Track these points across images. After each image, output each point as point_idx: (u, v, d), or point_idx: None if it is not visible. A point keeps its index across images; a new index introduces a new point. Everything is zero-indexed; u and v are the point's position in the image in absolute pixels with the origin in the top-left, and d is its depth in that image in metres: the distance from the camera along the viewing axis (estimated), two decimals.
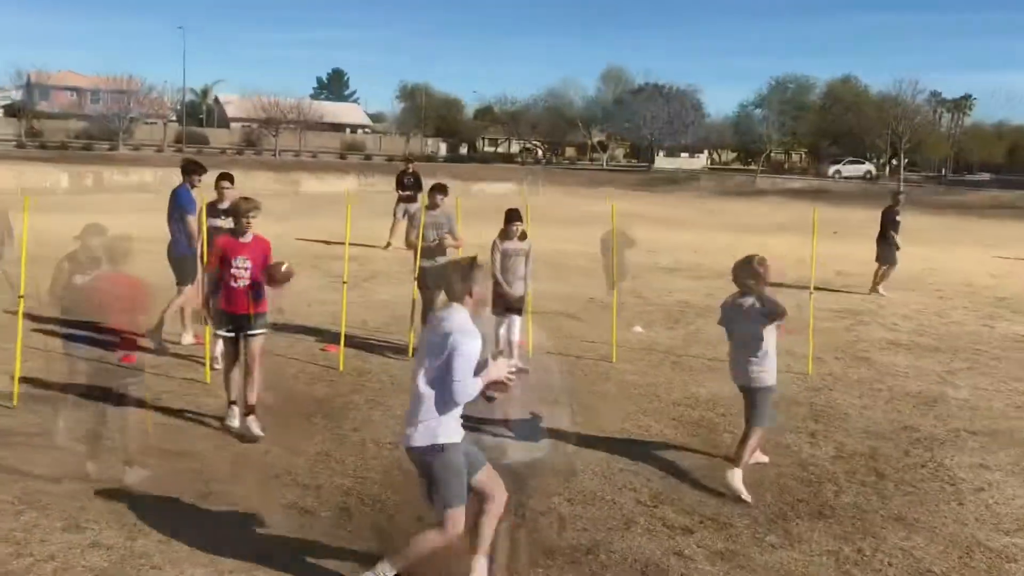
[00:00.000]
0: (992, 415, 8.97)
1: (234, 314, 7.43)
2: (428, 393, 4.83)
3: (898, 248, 16.74)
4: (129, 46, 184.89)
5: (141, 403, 8.03)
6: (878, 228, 17.08)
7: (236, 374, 7.62)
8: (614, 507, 6.34)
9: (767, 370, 6.84)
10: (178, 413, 7.92)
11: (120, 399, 6.63)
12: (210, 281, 7.64)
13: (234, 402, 7.61)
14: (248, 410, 7.44)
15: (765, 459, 7.25)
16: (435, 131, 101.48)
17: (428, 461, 4.89)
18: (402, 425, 7.70)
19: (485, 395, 4.99)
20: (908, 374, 10.53)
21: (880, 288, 16.53)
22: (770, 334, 6.82)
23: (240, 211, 7.47)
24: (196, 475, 6.54)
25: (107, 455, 6.70)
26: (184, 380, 8.92)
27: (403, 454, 7.09)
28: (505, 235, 9.79)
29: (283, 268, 7.49)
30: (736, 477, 6.62)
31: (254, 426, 7.38)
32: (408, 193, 20.60)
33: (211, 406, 8.12)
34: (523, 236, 9.85)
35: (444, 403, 4.81)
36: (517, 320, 9.76)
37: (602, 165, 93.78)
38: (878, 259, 16.81)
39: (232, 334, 7.50)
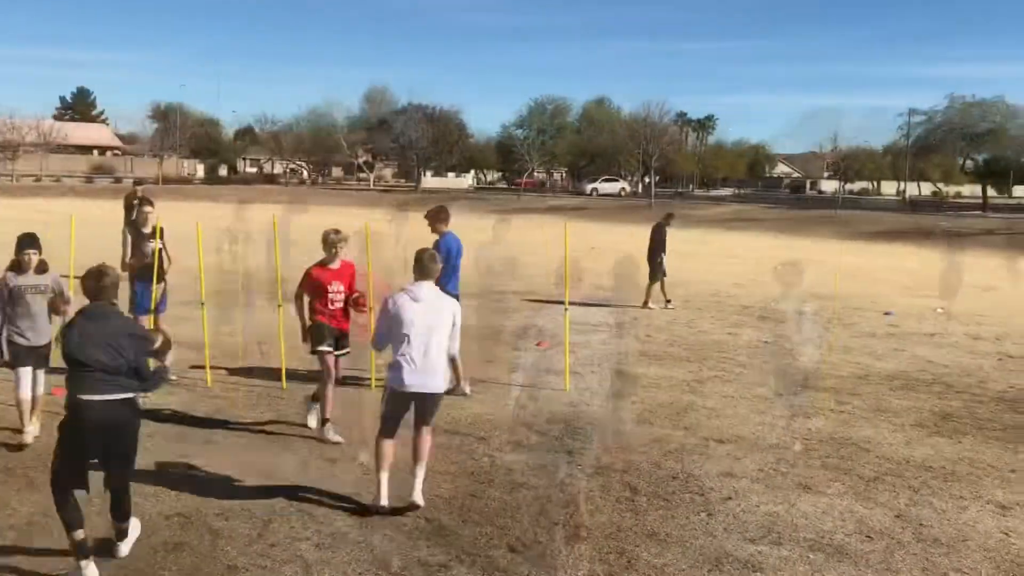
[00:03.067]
0: (737, 422, 9.28)
1: (340, 329, 8.36)
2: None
3: (663, 271, 17.20)
4: None
5: None
6: (648, 245, 17.51)
7: (331, 390, 8.21)
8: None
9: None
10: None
11: None
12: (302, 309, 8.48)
13: (327, 419, 8.17)
14: (326, 419, 8.17)
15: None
16: (192, 152, 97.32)
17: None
18: None
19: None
20: (660, 385, 10.78)
21: (650, 303, 16.97)
22: None
23: (329, 241, 8.20)
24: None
25: None
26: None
27: None
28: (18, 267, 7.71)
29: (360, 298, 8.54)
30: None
31: (332, 433, 8.10)
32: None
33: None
34: (41, 268, 7.81)
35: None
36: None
37: (369, 185, 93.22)
38: (651, 277, 17.19)
39: (331, 348, 8.25)
